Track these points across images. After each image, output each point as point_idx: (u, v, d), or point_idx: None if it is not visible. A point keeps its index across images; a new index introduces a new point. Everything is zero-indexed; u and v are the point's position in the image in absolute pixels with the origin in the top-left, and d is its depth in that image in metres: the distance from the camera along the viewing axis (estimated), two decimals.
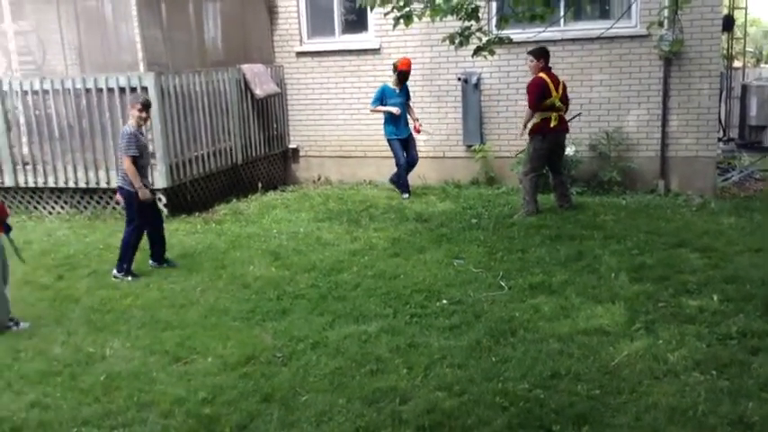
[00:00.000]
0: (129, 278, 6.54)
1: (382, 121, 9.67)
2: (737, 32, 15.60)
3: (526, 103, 8.22)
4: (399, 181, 9.68)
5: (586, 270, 6.23)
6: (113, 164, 8.69)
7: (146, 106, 6.58)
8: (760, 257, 6.41)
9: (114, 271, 6.61)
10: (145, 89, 8.42)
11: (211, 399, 4.22)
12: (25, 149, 9.17)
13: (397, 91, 9.51)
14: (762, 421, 3.71)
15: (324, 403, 4.11)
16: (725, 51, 13.37)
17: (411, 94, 9.83)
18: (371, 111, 9.70)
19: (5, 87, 9.04)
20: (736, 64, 15.79)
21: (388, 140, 9.61)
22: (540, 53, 8.08)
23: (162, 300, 5.96)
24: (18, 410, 4.19)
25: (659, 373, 4.30)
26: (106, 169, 8.79)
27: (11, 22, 9.26)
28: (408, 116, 9.63)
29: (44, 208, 9.33)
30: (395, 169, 9.69)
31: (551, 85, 7.98)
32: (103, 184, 8.88)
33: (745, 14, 15.77)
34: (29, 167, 9.16)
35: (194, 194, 9.35)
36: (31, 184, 9.22)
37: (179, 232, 8.03)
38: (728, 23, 12.59)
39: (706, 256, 6.50)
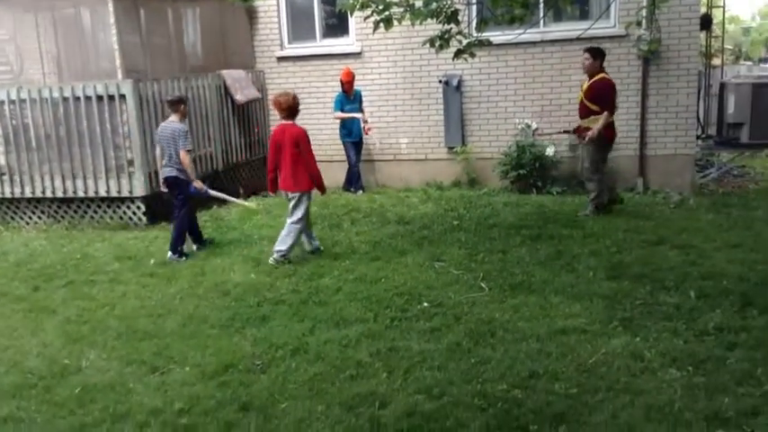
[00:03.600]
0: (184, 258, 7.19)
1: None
2: (716, 30, 15.73)
3: (592, 106, 7.95)
4: (352, 180, 10.26)
5: (565, 269, 6.26)
6: (91, 173, 8.65)
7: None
8: (737, 253, 6.46)
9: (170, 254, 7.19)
10: (123, 97, 8.37)
11: (188, 409, 4.17)
12: (2, 160, 9.08)
13: (350, 98, 10.07)
14: (737, 416, 3.72)
15: (303, 410, 4.07)
16: (703, 50, 13.47)
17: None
18: (335, 117, 10.22)
19: None
20: (715, 62, 15.92)
21: (343, 143, 10.23)
22: (599, 52, 7.90)
23: (140, 309, 5.90)
24: None
25: (636, 370, 4.31)
26: (84, 178, 8.73)
27: None
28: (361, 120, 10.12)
29: (21, 218, 9.23)
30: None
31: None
32: (81, 194, 8.80)
33: (723, 12, 15.90)
34: (5, 178, 9.06)
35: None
36: (8, 195, 9.12)
37: (158, 240, 7.97)
38: (706, 22, 12.73)
39: (684, 252, 6.55)
